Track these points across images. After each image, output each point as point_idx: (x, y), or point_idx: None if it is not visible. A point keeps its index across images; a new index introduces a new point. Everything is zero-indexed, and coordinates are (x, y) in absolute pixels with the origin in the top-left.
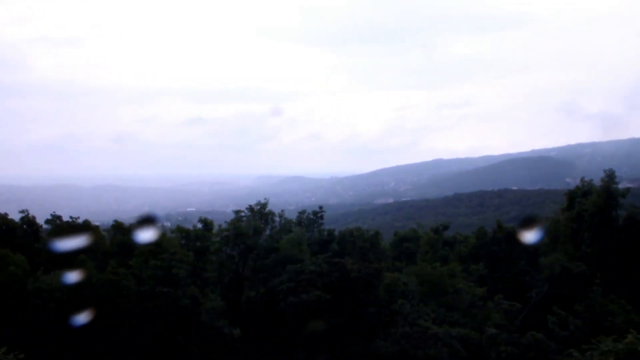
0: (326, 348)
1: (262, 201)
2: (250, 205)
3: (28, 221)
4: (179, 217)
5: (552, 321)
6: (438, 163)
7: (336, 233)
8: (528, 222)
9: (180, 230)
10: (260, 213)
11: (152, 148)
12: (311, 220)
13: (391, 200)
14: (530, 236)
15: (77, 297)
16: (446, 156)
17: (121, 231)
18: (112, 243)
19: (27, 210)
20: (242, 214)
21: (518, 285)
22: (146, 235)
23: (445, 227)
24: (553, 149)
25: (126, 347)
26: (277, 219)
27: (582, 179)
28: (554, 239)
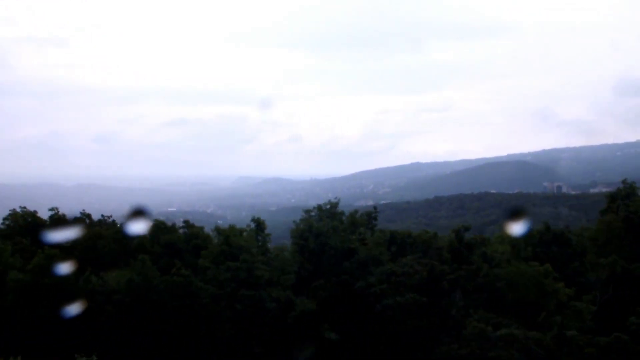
0: (416, 350)
1: (333, 200)
2: (319, 205)
3: (58, 219)
4: (161, 216)
5: (634, 322)
6: (416, 166)
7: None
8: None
9: (221, 231)
10: (330, 212)
11: (134, 148)
12: (364, 220)
13: (371, 203)
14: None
15: (139, 299)
16: (424, 160)
17: (165, 231)
18: (153, 242)
19: (57, 208)
20: (312, 213)
21: (573, 287)
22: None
23: (467, 229)
24: (529, 154)
25: (205, 352)
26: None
27: (624, 181)
28: (607, 241)
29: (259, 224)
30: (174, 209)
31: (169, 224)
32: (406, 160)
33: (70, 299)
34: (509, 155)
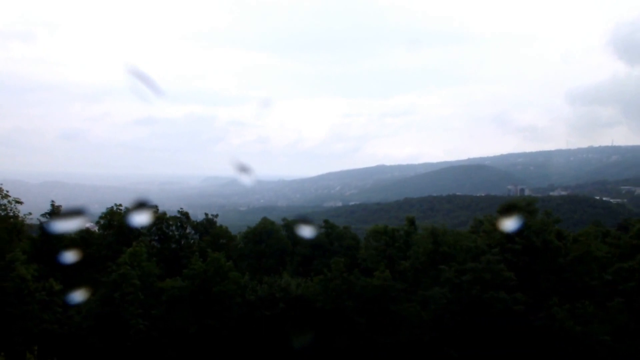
0: None
1: None
2: None
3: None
4: None
5: None
6: (381, 169)
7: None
8: None
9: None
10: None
11: (101, 146)
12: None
13: (340, 204)
14: None
15: (337, 305)
16: (388, 162)
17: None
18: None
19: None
20: None
21: None
22: None
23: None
24: (487, 158)
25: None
26: None
27: None
28: None
29: (411, 221)
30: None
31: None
32: (371, 163)
33: (248, 308)
34: (469, 159)
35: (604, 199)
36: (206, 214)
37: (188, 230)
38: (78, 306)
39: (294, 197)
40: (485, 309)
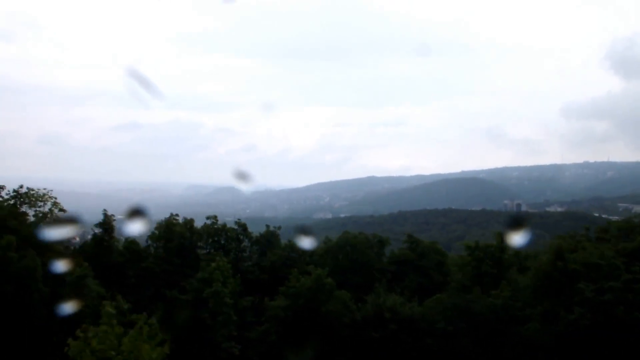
0: None
1: None
2: None
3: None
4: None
5: None
6: (372, 180)
7: None
8: None
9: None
10: None
11: (81, 151)
12: None
13: (330, 216)
14: None
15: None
16: (379, 174)
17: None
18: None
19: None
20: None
21: None
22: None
23: None
24: (482, 171)
25: None
26: None
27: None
28: None
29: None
30: (122, 217)
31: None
32: (361, 174)
33: (354, 329)
34: (463, 172)
35: (603, 216)
36: (267, 226)
37: (245, 244)
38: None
39: (281, 207)
40: (631, 330)
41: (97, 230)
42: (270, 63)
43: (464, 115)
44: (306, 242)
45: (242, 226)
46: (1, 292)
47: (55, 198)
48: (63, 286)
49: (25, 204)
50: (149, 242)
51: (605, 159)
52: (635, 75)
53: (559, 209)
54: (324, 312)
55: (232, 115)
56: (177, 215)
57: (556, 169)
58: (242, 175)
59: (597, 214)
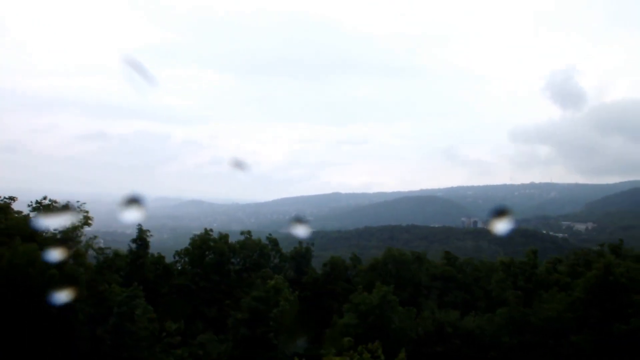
0: None
1: None
2: None
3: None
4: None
5: None
6: (336, 196)
7: None
8: None
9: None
10: None
11: (45, 160)
12: None
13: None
14: None
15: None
16: (343, 190)
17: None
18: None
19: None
20: None
21: None
22: None
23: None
24: (439, 190)
25: None
26: None
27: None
28: None
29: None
30: (89, 229)
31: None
32: (326, 190)
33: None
34: (422, 190)
35: (550, 233)
36: (300, 242)
37: (276, 261)
38: (204, 347)
39: (248, 221)
40: None
41: (132, 246)
42: (241, 78)
43: (423, 136)
44: (301, 231)
45: (273, 242)
46: (44, 311)
47: (87, 212)
48: (104, 305)
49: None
50: (177, 257)
51: (548, 180)
52: (570, 105)
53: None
54: (394, 328)
55: (200, 128)
56: (211, 230)
57: (506, 189)
58: (238, 163)
59: (544, 231)
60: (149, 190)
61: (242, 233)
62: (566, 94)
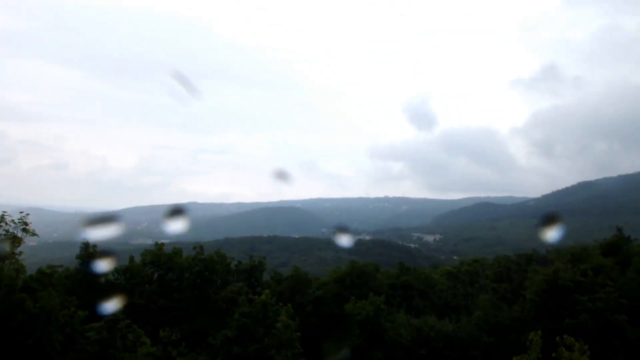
0: None
1: None
2: None
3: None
4: None
5: None
6: (193, 206)
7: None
8: None
9: None
10: None
11: None
12: None
13: (150, 241)
14: None
15: None
16: (200, 200)
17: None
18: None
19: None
20: None
21: None
22: None
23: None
24: (298, 201)
25: None
26: None
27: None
28: None
29: None
30: None
31: None
32: (182, 199)
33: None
34: (281, 201)
35: (404, 243)
36: (251, 256)
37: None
38: None
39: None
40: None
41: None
42: (90, 76)
43: (283, 148)
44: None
45: (222, 256)
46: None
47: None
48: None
49: None
50: (115, 275)
51: (401, 195)
52: (424, 127)
53: (367, 237)
54: (390, 335)
55: (42, 128)
56: (162, 243)
57: (362, 202)
58: (283, 175)
59: (399, 242)
60: None
61: (194, 248)
62: (422, 117)
